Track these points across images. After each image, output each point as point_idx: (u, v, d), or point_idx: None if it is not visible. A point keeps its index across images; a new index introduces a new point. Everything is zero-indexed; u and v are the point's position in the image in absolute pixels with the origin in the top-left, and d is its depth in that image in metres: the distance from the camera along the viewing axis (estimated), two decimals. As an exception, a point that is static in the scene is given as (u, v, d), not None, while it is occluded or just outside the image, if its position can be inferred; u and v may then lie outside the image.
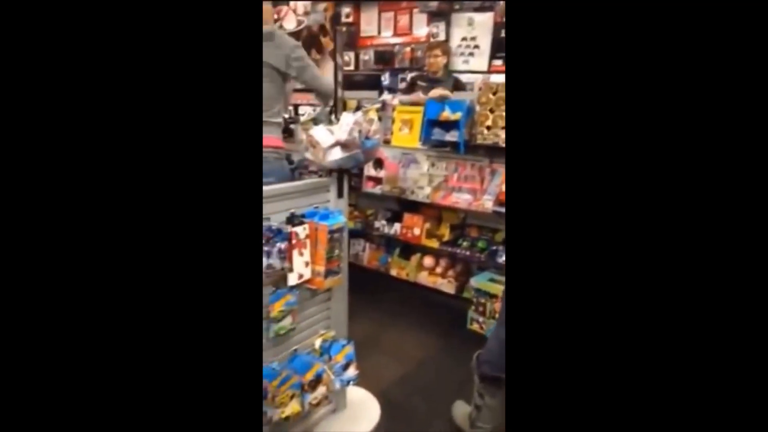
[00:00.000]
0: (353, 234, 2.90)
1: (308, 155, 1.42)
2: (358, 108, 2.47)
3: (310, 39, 4.93)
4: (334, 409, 1.63)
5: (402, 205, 2.84)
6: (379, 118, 1.61)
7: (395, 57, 4.52)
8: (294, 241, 1.26)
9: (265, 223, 1.20)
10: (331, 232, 1.33)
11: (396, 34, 4.54)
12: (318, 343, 1.48)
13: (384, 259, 2.93)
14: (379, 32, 4.64)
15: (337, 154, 1.36)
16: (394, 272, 2.83)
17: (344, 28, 4.48)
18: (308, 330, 1.47)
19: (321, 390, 1.43)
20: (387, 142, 2.64)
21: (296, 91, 2.50)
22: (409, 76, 4.18)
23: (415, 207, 2.75)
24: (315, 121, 1.39)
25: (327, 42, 4.88)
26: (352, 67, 4.72)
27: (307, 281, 1.35)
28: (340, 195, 1.49)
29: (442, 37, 4.11)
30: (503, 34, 3.79)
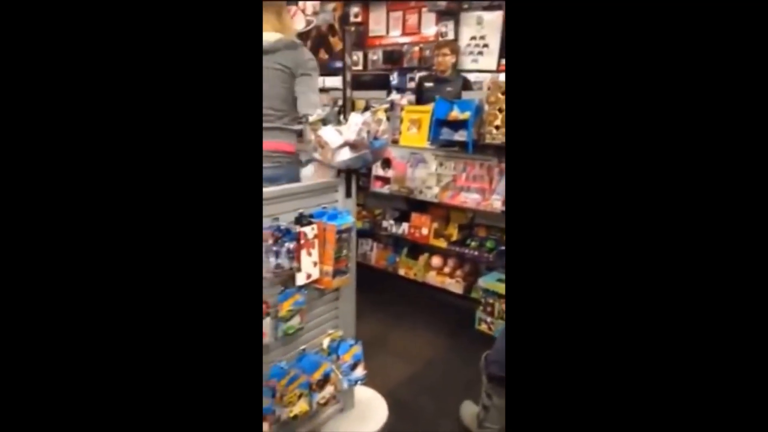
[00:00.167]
0: (361, 234, 2.90)
1: (317, 155, 1.42)
2: (366, 108, 2.47)
3: (319, 39, 4.94)
4: (341, 409, 1.63)
5: (410, 205, 2.83)
6: (388, 118, 1.59)
7: (404, 56, 4.51)
8: (302, 241, 1.27)
9: (273, 223, 1.21)
10: (340, 232, 1.33)
11: (405, 33, 4.53)
12: (326, 342, 1.48)
13: (392, 258, 2.93)
14: (388, 32, 4.64)
15: (345, 155, 1.36)
16: (402, 272, 2.83)
17: (353, 28, 4.48)
18: (316, 329, 1.47)
19: (329, 389, 1.43)
20: (395, 141, 2.64)
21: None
22: (417, 75, 4.17)
23: (423, 207, 2.74)
24: (324, 121, 1.39)
25: (336, 42, 4.88)
26: (360, 67, 4.71)
27: (316, 281, 1.35)
28: (348, 195, 1.49)
29: (450, 36, 4.09)
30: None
